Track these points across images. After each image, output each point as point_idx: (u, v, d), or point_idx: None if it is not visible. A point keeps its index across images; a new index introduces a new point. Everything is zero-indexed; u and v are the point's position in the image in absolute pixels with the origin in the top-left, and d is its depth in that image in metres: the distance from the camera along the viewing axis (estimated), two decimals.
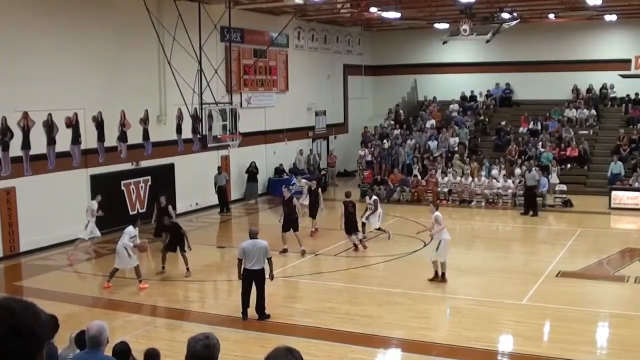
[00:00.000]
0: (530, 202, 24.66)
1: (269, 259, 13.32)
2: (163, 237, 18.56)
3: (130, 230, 16.13)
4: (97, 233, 19.05)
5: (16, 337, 2.30)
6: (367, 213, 20.57)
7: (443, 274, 15.89)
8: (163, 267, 17.31)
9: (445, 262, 15.89)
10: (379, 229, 20.71)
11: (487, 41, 28.85)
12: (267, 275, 13.60)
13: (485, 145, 31.90)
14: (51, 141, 20.34)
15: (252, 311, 13.41)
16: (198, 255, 17.81)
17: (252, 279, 13.25)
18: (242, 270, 13.27)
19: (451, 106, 34.49)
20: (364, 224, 20.50)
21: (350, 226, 19.43)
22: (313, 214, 21.75)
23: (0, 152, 18.97)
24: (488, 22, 27.74)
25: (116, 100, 22.30)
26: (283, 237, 18.97)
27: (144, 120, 23.76)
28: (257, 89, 29.27)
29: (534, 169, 25.46)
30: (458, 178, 27.62)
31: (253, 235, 13.47)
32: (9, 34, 18.79)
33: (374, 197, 21.19)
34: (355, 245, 19.42)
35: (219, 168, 26.42)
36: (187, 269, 16.88)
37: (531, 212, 24.36)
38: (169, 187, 24.46)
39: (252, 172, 27.97)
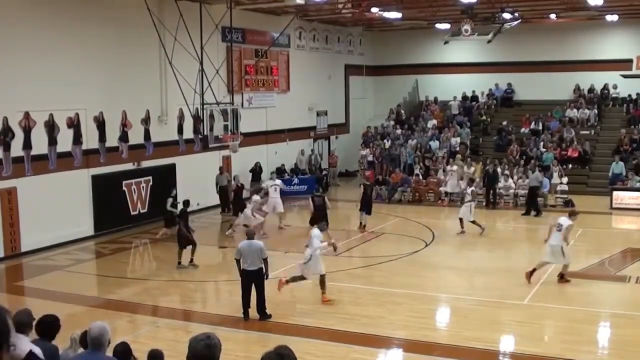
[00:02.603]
0: (532, 202, 24.65)
1: (265, 260, 13.35)
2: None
3: (318, 232, 14.97)
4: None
5: None
6: (467, 204, 21.27)
7: (562, 274, 15.66)
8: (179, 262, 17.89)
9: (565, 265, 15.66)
10: (473, 221, 21.15)
11: (489, 41, 28.86)
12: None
13: (486, 145, 31.91)
14: (52, 141, 20.35)
15: (253, 311, 13.42)
16: (200, 255, 17.84)
17: (251, 279, 13.35)
18: (241, 270, 13.41)
19: (451, 103, 34.59)
20: (461, 219, 21.26)
21: (366, 206, 22.13)
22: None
23: (2, 152, 18.97)
24: (489, 22, 27.75)
25: (117, 101, 22.31)
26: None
27: (145, 121, 23.77)
28: (258, 89, 29.27)
29: (537, 170, 25.47)
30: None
31: (249, 235, 13.66)
32: (10, 35, 18.81)
33: (472, 188, 21.87)
34: (361, 223, 22.18)
35: (220, 168, 26.43)
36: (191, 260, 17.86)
37: (534, 212, 24.36)
38: (171, 187, 24.49)
39: (256, 172, 27.97)
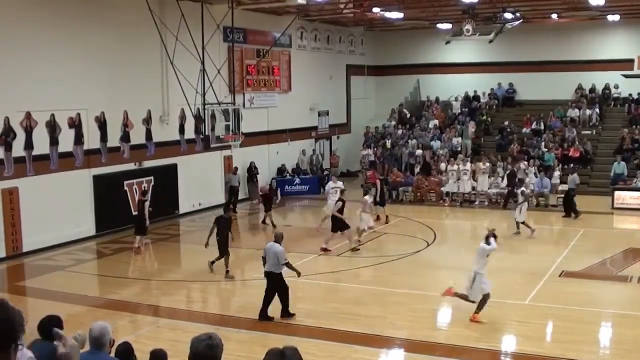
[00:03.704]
0: (571, 204, 24.28)
1: (285, 264, 13.47)
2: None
3: (488, 247, 13.42)
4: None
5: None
6: (519, 205, 21.32)
7: None
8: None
9: None
10: (523, 222, 21.18)
11: (490, 41, 28.81)
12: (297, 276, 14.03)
13: (488, 145, 31.89)
14: (54, 141, 20.35)
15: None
16: (201, 255, 17.81)
17: (268, 280, 13.52)
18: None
19: (453, 103, 34.56)
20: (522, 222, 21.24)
21: (383, 199, 23.73)
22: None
23: (3, 152, 18.98)
24: (491, 22, 27.73)
25: (119, 101, 22.31)
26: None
27: (147, 121, 23.77)
28: (259, 89, 29.27)
29: (575, 173, 25.39)
30: (458, 181, 27.53)
31: (276, 238, 13.82)
32: (11, 35, 18.82)
33: (522, 188, 22.07)
34: (378, 217, 23.21)
35: (235, 168, 26.44)
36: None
37: (573, 215, 24.03)
38: (172, 187, 24.49)
39: (251, 171, 27.95)
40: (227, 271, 16.79)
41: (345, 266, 17.82)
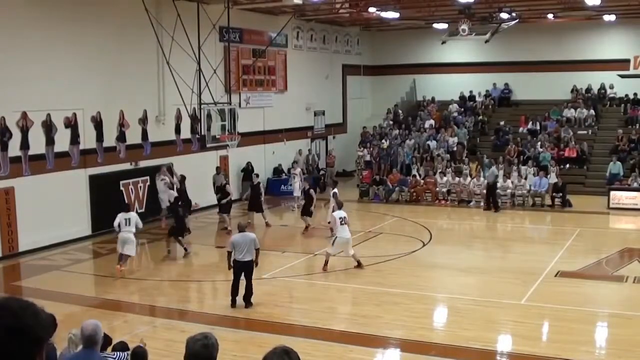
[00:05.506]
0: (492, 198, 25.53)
1: (257, 250, 14.10)
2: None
3: None
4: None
5: (16, 337, 2.32)
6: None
7: None
8: None
9: None
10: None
11: (486, 41, 28.88)
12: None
13: (484, 145, 31.91)
14: (50, 141, 20.33)
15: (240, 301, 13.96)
16: (196, 255, 17.87)
17: (242, 269, 13.97)
18: (232, 261, 14.12)
19: (450, 106, 34.54)
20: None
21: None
22: (306, 213, 22.23)
23: None
24: (487, 22, 27.77)
25: (115, 101, 22.29)
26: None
27: (143, 121, 23.75)
28: (255, 89, 29.26)
29: (493, 165, 26.61)
30: (457, 178, 27.57)
31: (241, 228, 14.44)
32: (7, 34, 18.78)
33: (335, 190, 22.15)
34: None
35: (217, 168, 26.40)
36: None
37: (493, 208, 25.32)
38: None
39: (247, 171, 27.90)
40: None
41: (340, 266, 17.82)
